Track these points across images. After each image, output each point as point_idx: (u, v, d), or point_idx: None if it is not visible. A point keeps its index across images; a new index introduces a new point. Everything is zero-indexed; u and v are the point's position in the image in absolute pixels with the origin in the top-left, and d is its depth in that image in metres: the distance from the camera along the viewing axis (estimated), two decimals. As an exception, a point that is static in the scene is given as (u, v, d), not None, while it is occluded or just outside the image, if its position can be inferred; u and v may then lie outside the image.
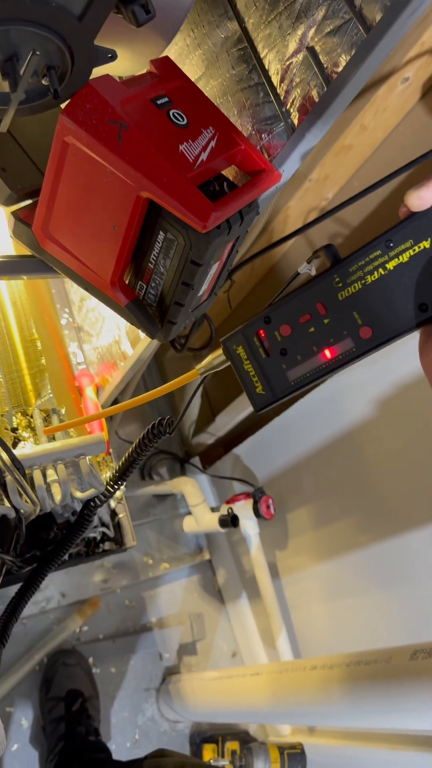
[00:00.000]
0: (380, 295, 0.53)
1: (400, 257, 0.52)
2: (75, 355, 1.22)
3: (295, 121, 0.63)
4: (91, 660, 1.69)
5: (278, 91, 0.64)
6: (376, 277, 0.53)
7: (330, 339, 0.55)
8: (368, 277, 0.53)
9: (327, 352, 0.55)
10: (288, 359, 0.58)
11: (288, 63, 0.62)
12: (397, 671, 0.90)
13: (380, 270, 0.52)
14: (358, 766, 1.34)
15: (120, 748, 1.65)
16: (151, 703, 1.73)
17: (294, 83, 0.62)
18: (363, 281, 0.53)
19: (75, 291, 1.22)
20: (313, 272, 0.60)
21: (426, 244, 0.51)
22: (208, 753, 1.63)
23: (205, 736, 1.72)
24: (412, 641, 0.96)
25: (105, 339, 1.17)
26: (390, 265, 0.52)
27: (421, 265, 0.51)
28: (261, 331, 0.59)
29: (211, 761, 1.54)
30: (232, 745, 1.62)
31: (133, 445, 0.74)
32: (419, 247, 0.51)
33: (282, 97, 0.64)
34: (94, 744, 1.46)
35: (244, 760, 1.48)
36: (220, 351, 0.64)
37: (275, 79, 0.64)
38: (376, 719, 0.96)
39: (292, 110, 0.63)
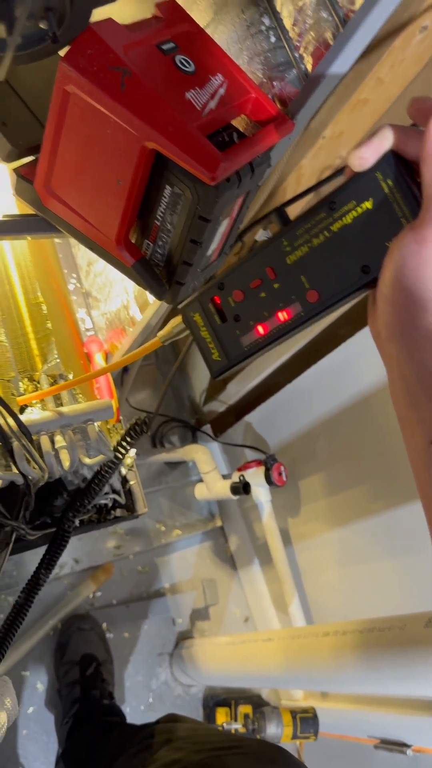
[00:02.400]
0: (326, 257, 0.52)
1: (344, 219, 0.51)
2: (83, 321, 1.20)
3: (309, 67, 0.59)
4: (104, 625, 1.71)
5: (290, 34, 0.61)
6: (322, 240, 0.52)
7: (279, 303, 0.55)
8: (314, 240, 0.52)
9: (278, 316, 0.55)
10: (241, 325, 0.58)
11: (301, 4, 0.58)
12: (412, 638, 0.89)
13: (325, 233, 0.52)
14: (371, 730, 1.35)
15: (134, 711, 1.67)
16: (165, 667, 1.75)
17: (308, 25, 0.58)
18: (309, 244, 0.53)
19: (82, 255, 1.20)
20: None
21: (368, 204, 0.49)
22: (222, 716, 1.65)
23: (218, 699, 1.74)
24: (426, 609, 0.95)
25: (113, 304, 1.15)
26: (334, 227, 0.51)
27: (364, 227, 0.50)
28: (216, 297, 0.59)
29: (224, 725, 1.56)
30: (245, 709, 1.64)
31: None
32: (361, 208, 0.50)
33: (294, 41, 0.60)
34: (109, 707, 1.48)
35: (257, 723, 1.50)
36: (179, 319, 0.63)
37: (287, 22, 0.61)
38: (389, 686, 0.96)
39: (305, 55, 0.59)
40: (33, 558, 1.09)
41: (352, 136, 1.31)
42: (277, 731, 1.47)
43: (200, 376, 2.06)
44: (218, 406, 1.96)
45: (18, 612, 0.79)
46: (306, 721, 1.47)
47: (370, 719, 1.36)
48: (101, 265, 1.15)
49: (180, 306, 0.65)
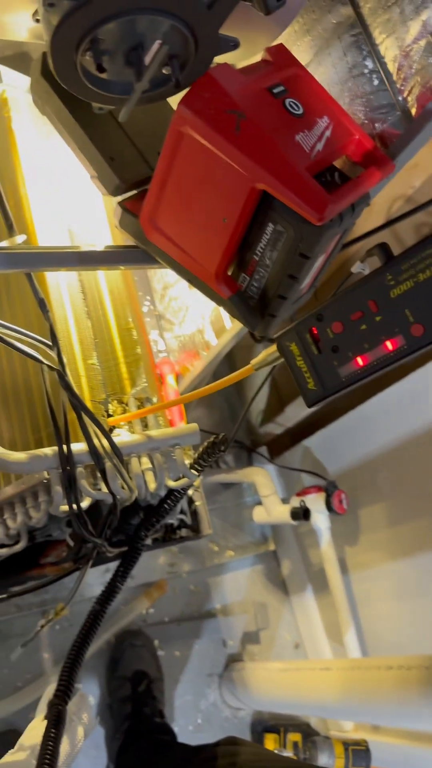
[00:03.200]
0: None
1: None
2: (156, 342, 1.23)
3: (413, 110, 0.61)
4: (156, 642, 1.72)
5: (394, 78, 0.62)
6: (429, 275, 0.52)
7: (381, 336, 0.55)
8: (420, 275, 0.53)
9: (380, 348, 0.56)
10: (339, 356, 0.58)
11: (408, 49, 0.60)
12: None
13: None
14: (426, 769, 1.32)
15: (182, 731, 1.67)
16: (214, 688, 1.75)
17: (413, 70, 0.60)
18: (415, 279, 0.53)
19: (158, 279, 1.23)
20: (367, 271, 0.60)
21: None
22: (270, 743, 1.64)
23: (266, 725, 1.72)
24: None
25: (188, 328, 1.17)
26: None
27: None
28: (313, 328, 0.60)
29: (275, 752, 1.54)
30: (294, 737, 1.62)
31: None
32: None
33: (399, 85, 0.62)
34: (160, 726, 1.48)
35: (308, 752, 1.48)
36: (274, 347, 0.64)
37: (392, 66, 0.62)
38: (456, 725, 0.94)
39: (410, 99, 0.61)
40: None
41: (427, 167, 1.32)
42: (329, 762, 1.44)
43: (258, 397, 2.06)
44: (275, 428, 1.96)
45: (94, 619, 0.81)
46: (358, 753, 1.45)
47: (424, 756, 1.33)
48: (177, 289, 1.18)
49: (276, 336, 0.66)
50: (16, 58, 1.06)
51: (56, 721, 0.66)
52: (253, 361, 0.68)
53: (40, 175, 0.87)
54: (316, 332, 0.60)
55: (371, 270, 0.58)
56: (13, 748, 0.69)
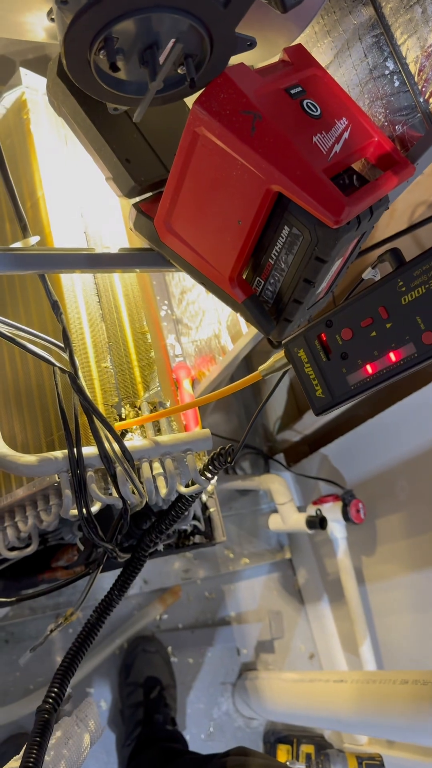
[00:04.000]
0: None
1: None
2: (173, 347, 1.23)
3: (435, 112, 0.59)
4: (169, 649, 1.71)
5: (416, 79, 0.61)
6: None
7: (392, 343, 0.54)
8: None
9: (390, 356, 0.54)
10: (348, 363, 0.57)
11: (430, 50, 0.58)
12: None
13: None
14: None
15: (194, 739, 1.66)
16: (227, 697, 1.73)
17: (435, 71, 0.58)
18: (427, 285, 0.52)
19: (176, 284, 1.22)
20: (378, 277, 0.58)
21: None
22: (282, 754, 1.62)
23: (279, 736, 1.70)
24: None
25: (204, 332, 1.17)
26: None
27: None
28: (322, 335, 0.59)
29: (288, 763, 1.52)
30: (307, 749, 1.59)
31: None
32: None
33: (420, 86, 0.60)
34: (171, 733, 1.47)
35: (321, 765, 1.46)
36: (282, 353, 0.63)
37: (413, 68, 0.61)
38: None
39: (431, 100, 0.59)
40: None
41: (452, 172, 1.29)
42: (342, 776, 1.42)
43: (275, 404, 2.05)
44: (292, 435, 1.94)
45: (90, 631, 0.80)
46: (372, 769, 1.42)
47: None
48: (194, 293, 1.17)
49: (284, 341, 0.65)
50: (37, 61, 1.07)
51: (42, 729, 0.65)
52: (261, 368, 0.67)
53: (58, 178, 0.87)
54: (325, 339, 0.59)
55: (381, 276, 0.57)
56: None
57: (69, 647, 0.76)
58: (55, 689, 0.70)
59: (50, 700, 0.69)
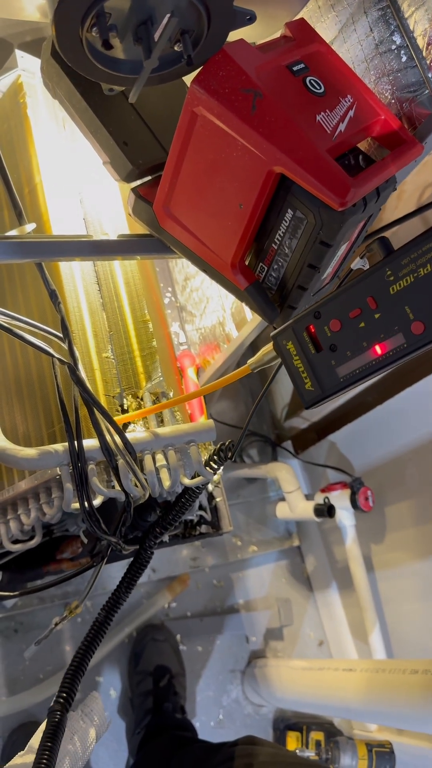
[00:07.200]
0: None
1: None
2: (177, 335, 1.21)
3: (444, 88, 0.57)
4: (178, 637, 1.71)
5: (424, 53, 0.58)
6: (429, 270, 0.50)
7: (380, 334, 0.53)
8: (421, 270, 0.50)
9: (377, 348, 0.53)
10: (337, 355, 0.56)
11: (438, 22, 0.56)
12: None
13: None
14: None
15: (204, 727, 1.66)
16: (236, 684, 1.73)
17: (444, 44, 0.56)
18: (415, 274, 0.51)
19: (179, 270, 1.20)
20: (366, 267, 0.57)
21: None
22: (292, 741, 1.62)
23: (289, 723, 1.70)
24: None
25: (208, 320, 1.15)
26: None
27: None
28: (311, 327, 0.57)
29: (297, 751, 1.52)
30: (317, 736, 1.59)
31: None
32: None
33: (428, 61, 0.58)
34: (181, 722, 1.47)
35: (331, 753, 1.46)
36: (270, 346, 0.61)
37: (421, 42, 0.58)
38: None
39: (440, 75, 0.57)
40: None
41: (461, 152, 1.26)
42: (352, 763, 1.42)
43: (282, 390, 2.03)
44: (300, 422, 1.93)
45: (98, 629, 0.79)
46: (382, 756, 1.41)
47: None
48: (198, 280, 1.15)
49: (272, 334, 0.64)
50: (35, 44, 1.04)
51: (54, 733, 0.64)
52: (250, 361, 0.65)
53: (56, 163, 0.85)
54: (313, 330, 0.58)
55: (370, 265, 0.55)
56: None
57: (78, 646, 0.75)
58: (66, 690, 0.69)
59: (61, 700, 0.68)
